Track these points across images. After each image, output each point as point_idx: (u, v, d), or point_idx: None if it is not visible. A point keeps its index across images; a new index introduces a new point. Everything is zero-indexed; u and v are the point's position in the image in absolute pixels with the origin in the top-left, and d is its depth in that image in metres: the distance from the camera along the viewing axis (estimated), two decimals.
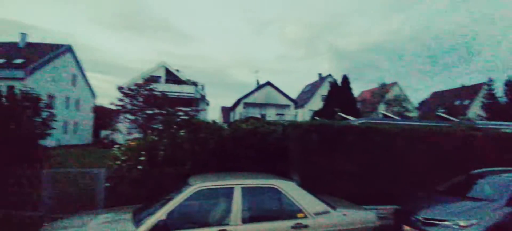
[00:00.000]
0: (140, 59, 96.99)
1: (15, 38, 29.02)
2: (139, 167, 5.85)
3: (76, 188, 5.90)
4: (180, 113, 13.01)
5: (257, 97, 34.85)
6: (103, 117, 32.40)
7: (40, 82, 23.64)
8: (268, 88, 35.74)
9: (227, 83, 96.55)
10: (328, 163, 5.76)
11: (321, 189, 4.60)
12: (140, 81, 17.16)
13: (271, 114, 32.41)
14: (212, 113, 56.38)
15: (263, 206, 3.85)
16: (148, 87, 15.29)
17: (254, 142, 5.77)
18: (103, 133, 30.45)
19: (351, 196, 4.67)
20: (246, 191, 3.60)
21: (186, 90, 29.82)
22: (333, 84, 28.10)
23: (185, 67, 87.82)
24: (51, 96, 25.03)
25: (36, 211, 5.67)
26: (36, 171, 5.88)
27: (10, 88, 17.97)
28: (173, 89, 28.32)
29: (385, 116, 19.74)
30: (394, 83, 39.05)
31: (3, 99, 6.67)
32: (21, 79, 22.76)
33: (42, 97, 7.14)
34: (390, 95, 31.33)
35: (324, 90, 35.97)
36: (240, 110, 34.14)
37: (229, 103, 44.26)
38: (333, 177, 5.60)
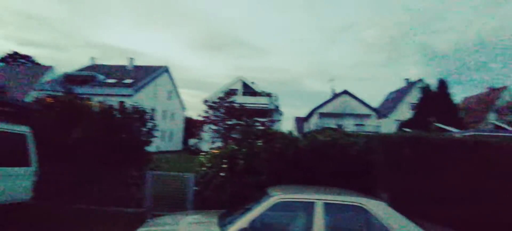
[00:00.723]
0: (221, 75, 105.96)
1: (125, 62, 35.89)
2: (222, 174, 6.25)
3: (170, 189, 6.67)
4: (257, 124, 13.52)
5: (333, 107, 33.38)
6: (191, 127, 36.45)
7: (144, 98, 28.36)
8: (345, 97, 33.84)
9: (300, 93, 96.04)
10: (425, 183, 4.96)
11: (416, 212, 3.97)
12: (221, 95, 18.77)
13: (348, 125, 30.49)
14: (286, 124, 56.70)
15: (347, 225, 3.57)
16: (228, 100, 16.56)
17: (333, 155, 5.47)
18: (191, 141, 34.20)
19: (458, 224, 3.87)
20: (328, 207, 3.39)
21: (261, 102, 30.93)
22: (426, 90, 24.30)
23: (260, 80, 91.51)
24: (152, 110, 29.76)
25: (139, 208, 6.65)
26: (141, 173, 6.93)
27: (121, 103, 22.13)
28: (249, 101, 29.77)
29: (497, 127, 16.10)
30: (505, 88, 31.64)
31: (117, 113, 8.19)
32: (130, 96, 27.69)
33: (147, 110, 8.47)
34: (501, 102, 25.56)
35: (412, 97, 31.82)
36: (314, 121, 33.30)
37: (302, 113, 43.78)
38: (432, 200, 4.78)
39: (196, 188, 6.36)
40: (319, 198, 3.47)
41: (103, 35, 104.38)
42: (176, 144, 36.58)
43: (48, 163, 5.99)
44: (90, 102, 8.64)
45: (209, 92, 38.70)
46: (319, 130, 8.53)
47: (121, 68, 34.68)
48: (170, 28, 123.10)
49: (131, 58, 35.45)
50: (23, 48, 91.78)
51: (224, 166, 6.27)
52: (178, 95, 38.80)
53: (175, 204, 6.41)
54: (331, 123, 28.67)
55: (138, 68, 34.64)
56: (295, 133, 8.28)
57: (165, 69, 35.21)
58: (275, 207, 3.47)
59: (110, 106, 8.13)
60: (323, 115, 33.36)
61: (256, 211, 3.41)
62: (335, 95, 34.86)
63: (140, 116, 8.09)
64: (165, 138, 33.75)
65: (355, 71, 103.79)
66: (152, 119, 8.47)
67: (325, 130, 6.95)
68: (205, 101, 17.47)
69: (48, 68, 37.01)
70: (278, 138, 6.21)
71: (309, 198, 3.54)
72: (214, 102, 16.31)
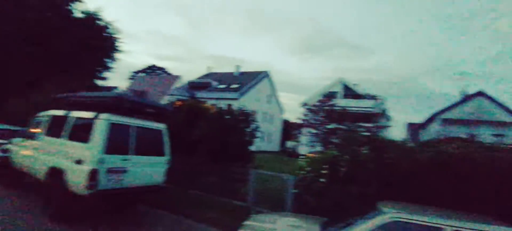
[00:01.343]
0: (319, 77, 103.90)
1: (233, 69, 40.06)
2: (322, 180, 6.04)
3: (271, 188, 6.97)
4: (361, 129, 12.52)
5: (462, 112, 27.20)
6: (288, 129, 37.24)
7: (247, 101, 30.92)
8: (480, 99, 27.06)
9: (414, 95, 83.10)
10: None
11: None
12: (320, 98, 18.34)
13: (484, 135, 24.20)
14: (396, 130, 50.14)
15: None
16: (328, 103, 16.03)
17: (469, 173, 4.40)
18: (288, 143, 34.94)
19: None
20: None
21: (364, 105, 28.48)
22: None
23: (363, 81, 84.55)
24: (254, 112, 32.17)
25: (244, 202, 7.24)
26: (245, 170, 7.53)
27: (229, 106, 24.73)
28: (351, 104, 27.90)
29: None
30: None
31: (227, 115, 9.18)
32: (235, 99, 30.67)
33: (251, 113, 9.20)
34: None
35: None
36: (435, 128, 28.05)
37: (417, 119, 37.67)
38: None
39: (295, 191, 6.40)
40: (450, 224, 2.85)
41: (217, 47, 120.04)
42: (274, 145, 38.17)
43: (174, 155, 7.32)
44: (207, 105, 10.04)
45: (307, 95, 38.59)
46: (443, 139, 7.11)
47: (230, 75, 39.04)
48: (272, 34, 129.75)
49: (238, 66, 39.44)
50: (159, 62, 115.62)
51: (324, 171, 6.05)
52: (277, 99, 40.45)
53: (275, 203, 6.65)
54: (460, 132, 23.41)
55: (243, 74, 38.18)
56: (409, 141, 7.21)
57: (265, 74, 37.43)
58: (387, 227, 3.06)
59: (222, 109, 9.20)
60: (447, 122, 27.60)
61: (364, 227, 3.11)
62: (466, 98, 28.33)
63: (246, 118, 8.82)
64: (264, 139, 35.70)
65: (490, 68, 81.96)
66: (255, 120, 9.11)
67: (453, 140, 5.70)
68: (304, 104, 17.51)
69: (177, 77, 45.37)
70: (389, 147, 5.53)
71: (436, 222, 2.95)
72: (313, 105, 16.12)
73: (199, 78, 39.86)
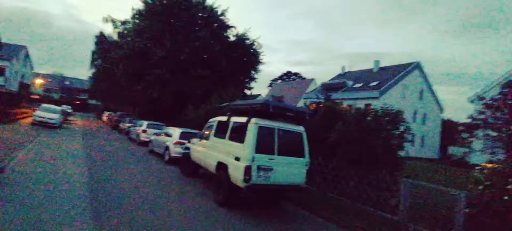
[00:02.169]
0: (495, 62, 78.01)
1: (370, 66, 36.64)
2: (505, 197, 4.59)
3: (430, 204, 5.79)
4: None
5: None
6: (451, 131, 29.95)
7: (390, 99, 27.37)
8: None
9: None
10: None
11: None
12: (501, 89, 13.51)
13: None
14: None
15: None
16: None
17: None
18: (452, 148, 28.11)
19: None
20: None
21: None
22: None
23: None
24: (400, 112, 27.98)
25: (393, 215, 6.35)
26: (394, 178, 6.61)
27: (367, 106, 22.61)
28: None
29: None
30: None
31: (368, 116, 8.40)
32: (375, 98, 27.76)
33: (398, 112, 8.01)
34: None
35: None
36: None
37: None
38: None
39: (467, 210, 5.02)
40: None
41: (352, 44, 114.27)
42: (429, 150, 31.75)
43: (312, 157, 7.42)
44: (344, 106, 9.62)
45: (477, 87, 29.76)
46: None
47: (367, 72, 35.94)
48: (419, 19, 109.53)
49: (377, 61, 35.70)
50: (293, 68, 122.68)
51: (511, 186, 4.57)
52: (432, 93, 33.49)
53: (437, 223, 5.46)
54: None
55: (383, 69, 34.20)
56: None
57: (415, 66, 31.84)
58: None
59: (362, 110, 8.54)
60: None
61: None
62: None
63: (392, 118, 7.78)
64: (416, 143, 30.34)
65: None
66: (403, 121, 7.87)
67: None
68: (477, 98, 13.47)
69: (310, 80, 46.58)
70: None
71: None
72: (492, 99, 12.13)
73: (333, 79, 38.98)
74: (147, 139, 15.42)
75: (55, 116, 20.04)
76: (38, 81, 53.21)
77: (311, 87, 43.14)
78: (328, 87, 34.71)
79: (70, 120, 29.47)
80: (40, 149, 10.61)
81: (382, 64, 35.54)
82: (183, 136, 11.31)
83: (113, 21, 27.78)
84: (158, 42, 21.88)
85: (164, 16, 22.85)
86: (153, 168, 10.01)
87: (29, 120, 21.94)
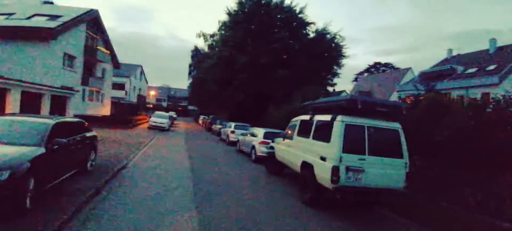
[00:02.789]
0: None
1: (484, 46, 29.50)
2: None
3: None
4: None
5: None
6: None
7: None
8: None
9: None
10: None
11: None
12: None
13: None
14: None
15: None
16: None
17: None
18: None
19: None
20: None
21: None
22: None
23: None
24: None
25: None
26: None
27: (485, 95, 18.22)
28: None
29: None
30: None
31: (486, 108, 6.77)
32: (494, 85, 22.21)
33: None
34: None
35: None
36: None
37: None
38: None
39: None
40: None
41: (456, 24, 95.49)
42: None
43: (413, 157, 6.43)
44: (452, 98, 8.05)
45: None
46: None
47: (481, 53, 29.18)
48: None
49: (492, 40, 28.56)
50: (383, 58, 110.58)
51: None
52: None
53: None
54: None
55: (502, 49, 27.08)
56: None
57: None
58: None
59: (479, 100, 6.96)
60: None
61: None
62: None
63: None
64: None
65: None
66: None
67: None
68: None
69: (406, 70, 40.84)
70: None
71: None
72: None
73: (436, 65, 33.08)
74: (235, 139, 16.64)
75: (165, 121, 24.18)
76: (152, 93, 64.58)
77: (407, 77, 37.81)
78: (430, 76, 29.50)
79: (175, 124, 34.51)
80: (155, 148, 12.81)
81: (500, 43, 28.23)
82: (267, 135, 11.70)
83: (203, 35, 31.15)
84: (241, 49, 23.36)
85: (246, 23, 24.22)
86: (242, 166, 10.70)
87: (146, 125, 26.80)
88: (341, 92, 40.45)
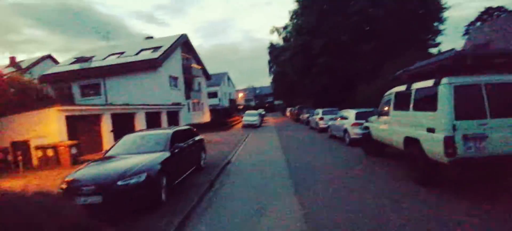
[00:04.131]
0: None
1: None
2: None
3: None
4: None
5: None
6: None
7: None
8: None
9: None
10: None
11: None
12: None
13: None
14: None
15: None
16: None
17: None
18: None
19: None
20: None
21: None
22: None
23: None
24: None
25: None
26: None
27: None
28: None
29: None
30: None
31: None
32: None
33: None
34: None
35: None
36: None
37: None
38: None
39: None
40: None
41: None
42: None
43: None
44: None
45: None
46: None
47: None
48: None
49: None
50: (493, 1, 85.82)
51: None
52: None
53: None
54: None
55: None
56: None
57: None
58: None
59: None
60: None
61: None
62: None
63: None
64: None
65: None
66: None
67: None
68: None
69: None
70: None
71: None
72: None
73: None
74: (325, 125, 16.28)
75: (256, 118, 25.94)
76: (240, 95, 69.82)
77: None
78: None
79: (265, 120, 36.36)
80: (251, 144, 13.91)
81: None
82: (359, 116, 11.02)
83: (276, 29, 31.61)
84: (316, 33, 22.59)
85: (316, 4, 23.24)
86: (336, 150, 10.43)
87: (239, 125, 29.23)
88: (450, 51, 33.79)
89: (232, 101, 59.61)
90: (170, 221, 4.35)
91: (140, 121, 16.27)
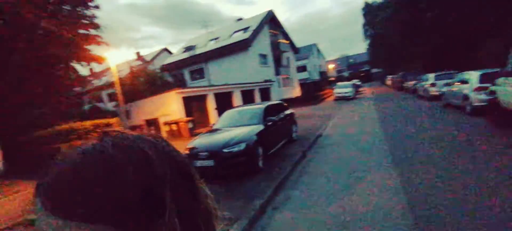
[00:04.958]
0: None
1: None
2: None
3: None
4: None
5: None
6: None
7: None
8: None
9: None
10: None
11: None
12: None
13: None
14: None
15: None
16: None
17: None
18: None
19: None
20: None
21: None
22: None
23: None
24: None
25: None
26: None
27: None
28: None
29: None
30: None
31: None
32: None
33: None
34: None
35: None
36: None
37: None
38: None
39: None
40: None
41: None
42: None
43: None
44: None
45: None
46: None
47: None
48: None
49: None
50: None
51: None
52: None
53: None
54: None
55: None
56: None
57: None
58: None
59: None
60: None
61: None
62: None
63: None
64: None
65: None
66: None
67: None
68: None
69: None
70: None
71: None
72: None
73: None
74: (438, 92, 13.92)
75: (349, 89, 24.36)
76: (330, 66, 66.49)
77: None
78: None
79: (360, 91, 33.79)
80: (344, 117, 13.35)
81: None
82: (484, 78, 8.91)
83: None
84: None
85: None
86: (451, 122, 8.84)
87: (331, 98, 28.18)
88: None
89: (323, 73, 57.47)
90: (267, 185, 4.84)
91: (237, 98, 17.90)
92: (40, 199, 0.35)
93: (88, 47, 11.93)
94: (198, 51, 27.39)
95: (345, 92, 24.11)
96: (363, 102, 20.43)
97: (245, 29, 26.13)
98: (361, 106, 17.64)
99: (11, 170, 9.16)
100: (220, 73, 24.74)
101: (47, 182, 0.35)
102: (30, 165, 7.31)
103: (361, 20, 44.54)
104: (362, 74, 68.90)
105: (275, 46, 28.60)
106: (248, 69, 23.82)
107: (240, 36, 25.49)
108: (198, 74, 26.96)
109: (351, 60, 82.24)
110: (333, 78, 60.72)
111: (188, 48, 29.16)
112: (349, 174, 5.10)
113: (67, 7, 11.21)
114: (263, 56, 26.76)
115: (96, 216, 0.32)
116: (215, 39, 28.26)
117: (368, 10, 40.60)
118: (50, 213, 0.33)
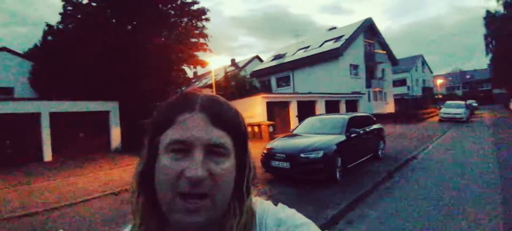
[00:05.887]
0: None
1: None
2: None
3: None
4: None
5: None
6: None
7: None
8: None
9: None
10: None
11: None
12: None
13: None
14: None
15: None
16: None
17: None
18: None
19: None
20: None
21: None
22: None
23: None
24: None
25: None
26: None
27: None
28: None
29: None
30: None
31: None
32: None
33: None
34: None
35: None
36: None
37: None
38: None
39: None
40: None
41: None
42: None
43: None
44: None
45: None
46: None
47: None
48: None
49: None
50: None
51: None
52: None
53: None
54: None
55: None
56: None
57: None
58: None
59: None
60: None
61: None
62: None
63: None
64: None
65: None
66: None
67: None
68: None
69: None
70: None
71: None
72: None
73: None
74: None
75: (460, 110, 20.22)
76: (439, 81, 57.05)
77: None
78: None
79: (476, 114, 27.90)
80: (449, 141, 11.26)
81: None
82: None
83: None
84: None
85: None
86: None
87: (436, 118, 24.14)
88: None
89: (427, 89, 49.83)
90: (342, 198, 4.57)
91: (320, 108, 17.46)
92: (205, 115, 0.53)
93: (196, 53, 14.20)
94: (286, 59, 28.07)
95: (456, 113, 20.03)
96: (480, 127, 16.69)
97: (337, 39, 25.30)
98: (477, 131, 14.41)
99: (128, 148, 11.56)
100: (306, 82, 24.67)
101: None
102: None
103: (481, 30, 36.52)
104: (481, 94, 56.69)
105: (369, 56, 26.62)
106: (335, 79, 22.95)
107: (331, 45, 24.83)
108: (284, 81, 27.57)
109: (467, 76, 68.56)
110: (440, 96, 52.00)
111: (277, 57, 30.20)
112: (440, 206, 4.30)
113: (184, 19, 13.73)
114: (354, 66, 25.27)
115: (231, 131, 0.54)
116: (305, 48, 28.36)
117: (490, 20, 33.13)
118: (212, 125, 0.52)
